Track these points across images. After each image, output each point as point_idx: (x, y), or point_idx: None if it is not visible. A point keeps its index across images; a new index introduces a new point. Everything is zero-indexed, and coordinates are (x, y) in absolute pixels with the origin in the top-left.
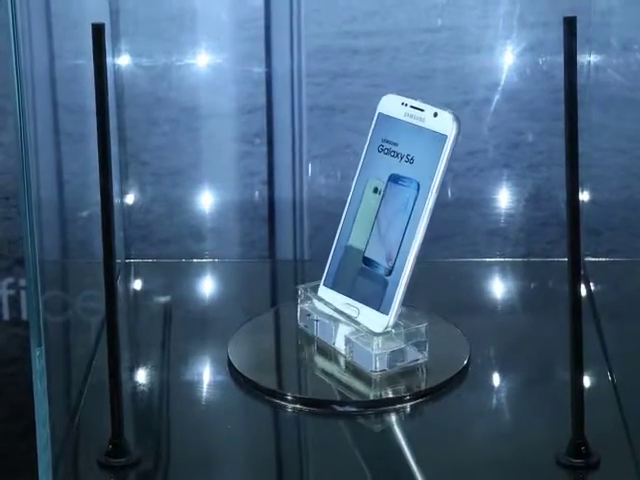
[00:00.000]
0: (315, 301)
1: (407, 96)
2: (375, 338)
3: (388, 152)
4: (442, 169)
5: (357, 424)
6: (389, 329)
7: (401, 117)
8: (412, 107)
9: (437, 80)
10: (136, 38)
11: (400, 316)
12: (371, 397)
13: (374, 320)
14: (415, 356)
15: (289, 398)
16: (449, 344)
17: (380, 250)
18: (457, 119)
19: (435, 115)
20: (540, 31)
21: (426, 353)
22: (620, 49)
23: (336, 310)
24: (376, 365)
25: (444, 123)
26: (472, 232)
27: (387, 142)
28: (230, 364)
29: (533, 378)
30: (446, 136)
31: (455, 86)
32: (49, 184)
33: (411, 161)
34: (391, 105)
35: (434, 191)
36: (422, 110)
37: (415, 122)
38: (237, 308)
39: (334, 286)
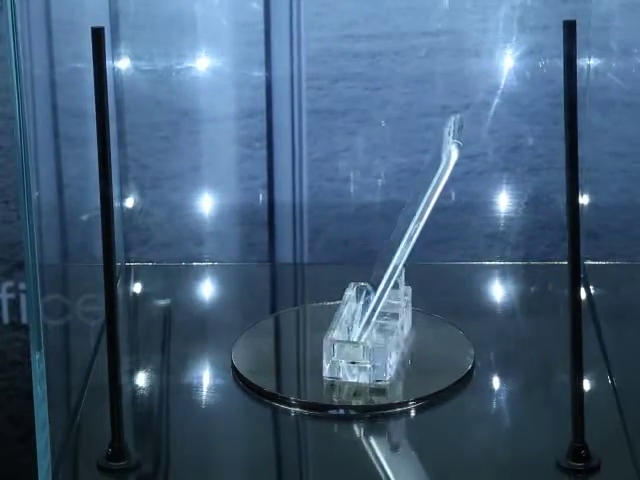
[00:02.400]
0: (343, 302)
1: (459, 120)
2: (329, 344)
3: (431, 170)
4: (427, 196)
5: (359, 428)
6: (360, 341)
7: (445, 138)
8: (449, 131)
9: (437, 84)
10: (136, 42)
11: (385, 332)
12: (375, 402)
13: (355, 329)
14: (374, 375)
15: (291, 402)
16: (453, 348)
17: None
18: (456, 150)
19: (449, 142)
20: (540, 35)
21: (387, 376)
22: (620, 53)
23: (353, 315)
24: (326, 371)
25: (446, 151)
26: (472, 235)
27: (433, 160)
28: (233, 367)
29: (533, 381)
30: (440, 164)
31: (455, 90)
32: (49, 188)
33: (424, 181)
34: (447, 126)
35: (416, 217)
36: (449, 135)
37: (443, 145)
38: (237, 312)
39: (368, 291)
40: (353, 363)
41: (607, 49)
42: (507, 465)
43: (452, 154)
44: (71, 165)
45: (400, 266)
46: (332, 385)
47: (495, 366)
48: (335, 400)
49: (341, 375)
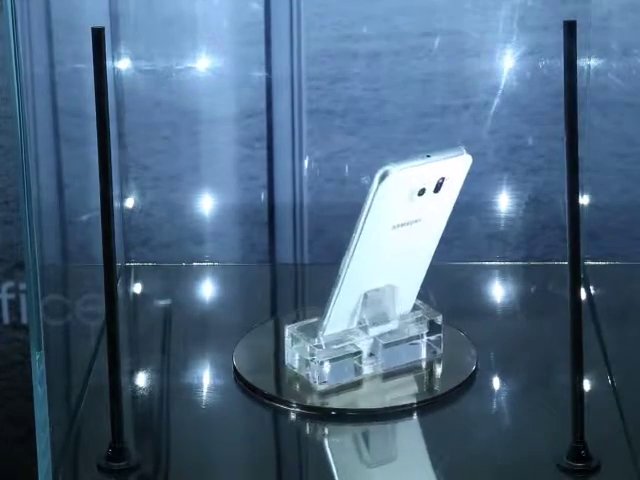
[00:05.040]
0: None
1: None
2: (287, 334)
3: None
4: (359, 218)
5: (359, 431)
6: (309, 340)
7: None
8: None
9: (437, 84)
10: (136, 42)
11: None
12: (377, 404)
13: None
14: (316, 375)
15: (292, 404)
16: (455, 349)
17: None
18: (387, 174)
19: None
20: (540, 35)
21: (319, 381)
22: (620, 53)
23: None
24: (286, 357)
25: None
26: (472, 236)
27: None
28: (234, 369)
29: (533, 382)
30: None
31: (455, 90)
32: (49, 188)
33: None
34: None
35: (353, 240)
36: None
37: None
38: (237, 312)
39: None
40: (300, 357)
41: (607, 49)
42: (507, 465)
43: (386, 177)
44: (71, 165)
45: (342, 280)
46: (386, 385)
47: (495, 367)
48: (400, 400)
49: (295, 366)
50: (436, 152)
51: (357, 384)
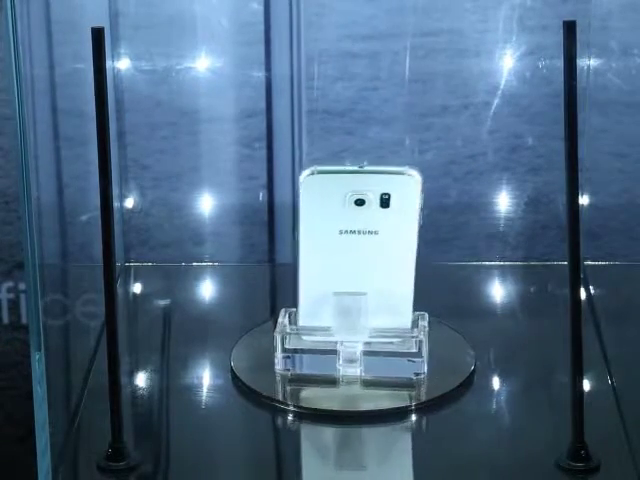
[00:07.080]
0: None
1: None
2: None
3: None
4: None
5: (358, 432)
6: (283, 330)
7: None
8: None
9: (437, 84)
10: (136, 42)
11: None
12: (371, 407)
13: None
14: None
15: (289, 405)
16: (454, 349)
17: None
18: (308, 174)
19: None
20: (540, 35)
21: (277, 360)
22: (619, 53)
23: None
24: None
25: None
26: (472, 235)
27: None
28: (232, 370)
29: (533, 382)
30: None
31: (455, 90)
32: (49, 188)
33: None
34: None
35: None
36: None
37: None
38: (237, 312)
39: None
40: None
41: (607, 49)
42: (506, 465)
43: (307, 177)
44: (71, 165)
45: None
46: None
47: (494, 367)
48: (398, 403)
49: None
50: (380, 167)
51: (332, 382)
